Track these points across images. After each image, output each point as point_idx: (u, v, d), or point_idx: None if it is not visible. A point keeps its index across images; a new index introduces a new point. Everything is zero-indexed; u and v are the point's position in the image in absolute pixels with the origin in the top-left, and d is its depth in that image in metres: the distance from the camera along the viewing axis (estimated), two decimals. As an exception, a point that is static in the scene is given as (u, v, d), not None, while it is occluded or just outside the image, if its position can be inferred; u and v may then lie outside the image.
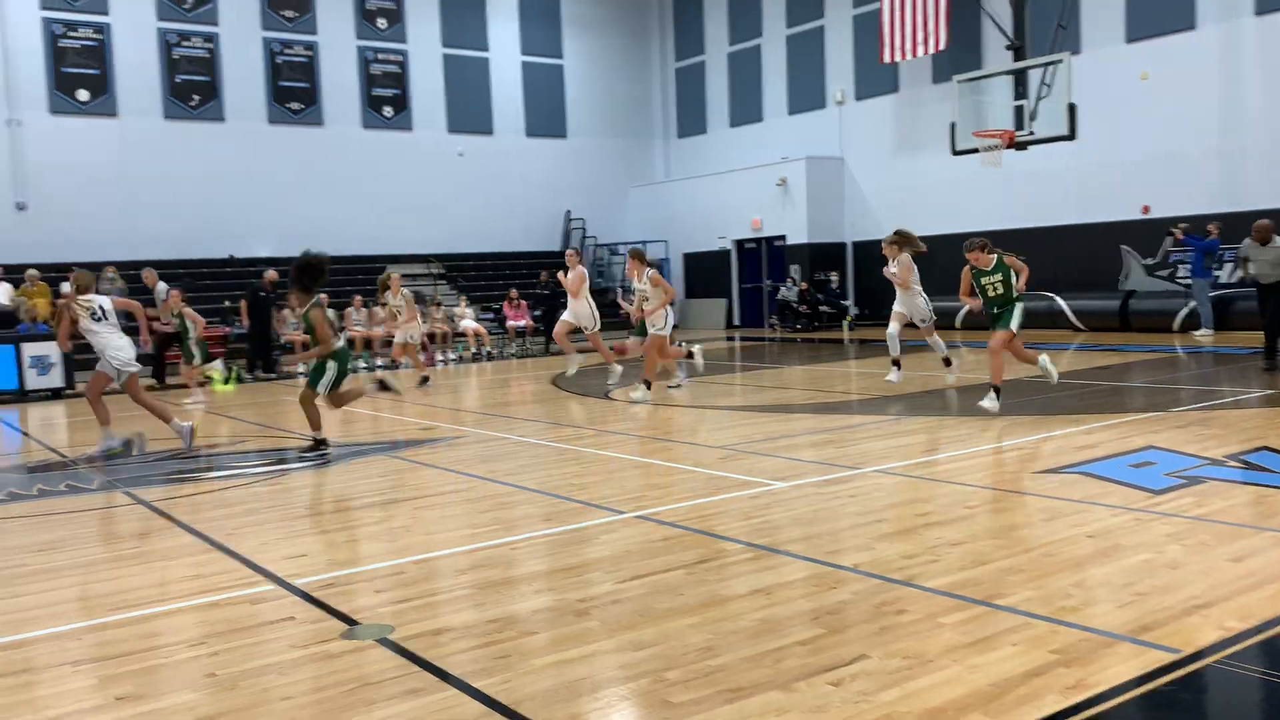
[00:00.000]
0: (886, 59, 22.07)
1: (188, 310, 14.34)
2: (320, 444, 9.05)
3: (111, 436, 9.57)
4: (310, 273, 8.96)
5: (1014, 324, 9.57)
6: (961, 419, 9.68)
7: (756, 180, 25.50)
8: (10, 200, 20.17)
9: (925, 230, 15.99)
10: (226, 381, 14.84)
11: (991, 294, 9.73)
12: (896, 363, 12.32)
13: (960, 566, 4.87)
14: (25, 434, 11.94)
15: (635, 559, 5.26)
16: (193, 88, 22.35)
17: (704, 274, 27.62)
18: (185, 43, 22.27)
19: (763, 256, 26.49)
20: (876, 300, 23.11)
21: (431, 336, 19.16)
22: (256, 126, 23.11)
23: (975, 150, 18.34)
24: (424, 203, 25.01)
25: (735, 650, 3.89)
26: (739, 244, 26.87)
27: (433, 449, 9.24)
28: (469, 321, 20.87)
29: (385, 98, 25.10)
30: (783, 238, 25.35)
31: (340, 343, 9.21)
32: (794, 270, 24.88)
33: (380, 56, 25.01)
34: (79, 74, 21.17)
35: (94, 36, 21.31)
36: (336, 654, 4.08)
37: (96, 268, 19.67)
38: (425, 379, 15.36)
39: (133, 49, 21.70)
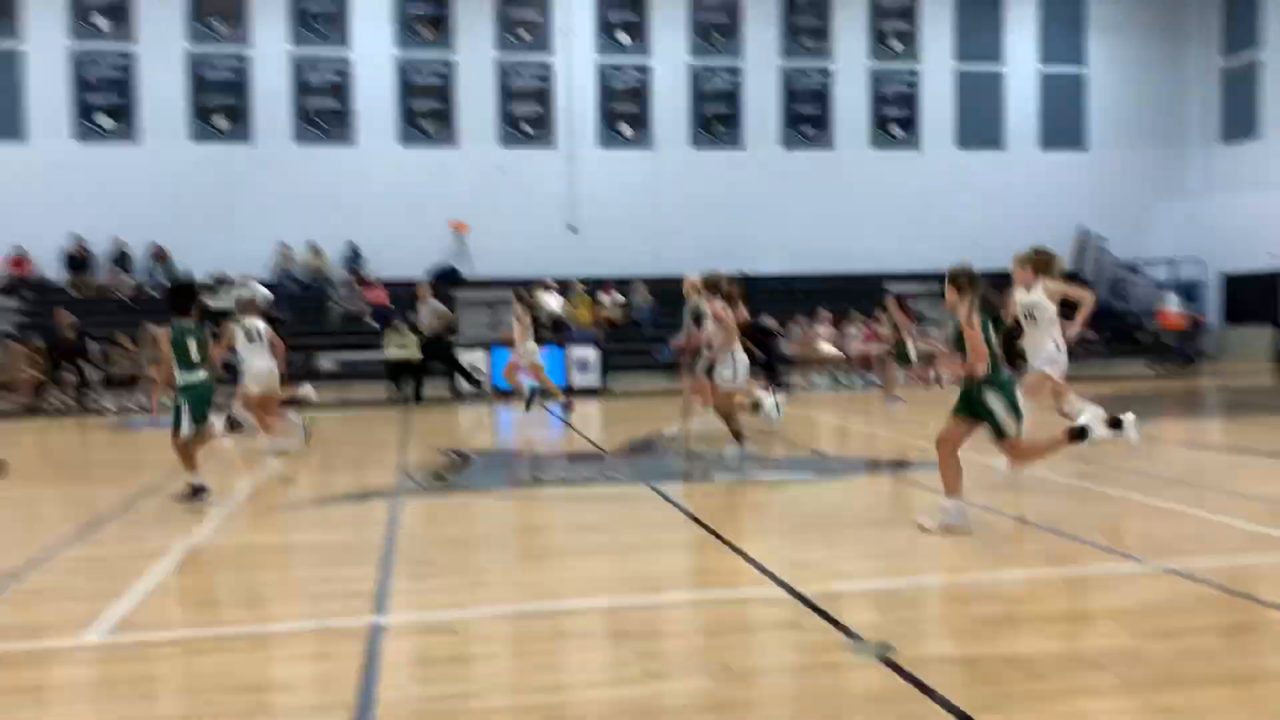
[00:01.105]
0: None
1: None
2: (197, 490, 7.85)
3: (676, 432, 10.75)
4: (181, 296, 8.29)
5: None
6: None
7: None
8: (564, 222, 23.26)
9: None
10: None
11: None
12: None
13: None
14: (568, 425, 13.71)
15: (1160, 615, 4.80)
16: (718, 119, 24.28)
17: (1248, 297, 24.26)
18: (713, 76, 24.23)
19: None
20: None
21: (929, 357, 18.91)
22: (772, 151, 24.47)
23: None
24: (925, 220, 24.76)
25: (1287, 737, 3.41)
26: (1294, 263, 23.23)
27: (930, 472, 9.14)
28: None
29: (894, 117, 25.27)
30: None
31: (195, 376, 7.88)
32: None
33: (892, 77, 25.23)
34: (623, 111, 23.90)
35: (638, 78, 23.95)
36: (839, 665, 4.21)
37: (625, 283, 22.10)
38: (897, 398, 15.62)
39: (668, 88, 24.05)
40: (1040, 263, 8.80)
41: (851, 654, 4.32)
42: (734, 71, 24.47)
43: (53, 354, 16.86)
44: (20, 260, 20.55)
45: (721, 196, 23.92)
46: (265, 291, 20.35)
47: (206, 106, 21.61)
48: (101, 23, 21.19)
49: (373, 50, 22.47)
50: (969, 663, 4.20)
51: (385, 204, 22.02)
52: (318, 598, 5.45)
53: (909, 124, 25.40)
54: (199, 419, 7.96)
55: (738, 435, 9.88)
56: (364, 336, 19.61)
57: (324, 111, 22.27)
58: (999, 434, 6.58)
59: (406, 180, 22.27)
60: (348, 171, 22.11)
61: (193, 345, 7.93)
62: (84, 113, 21.18)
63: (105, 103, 21.24)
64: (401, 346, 18.34)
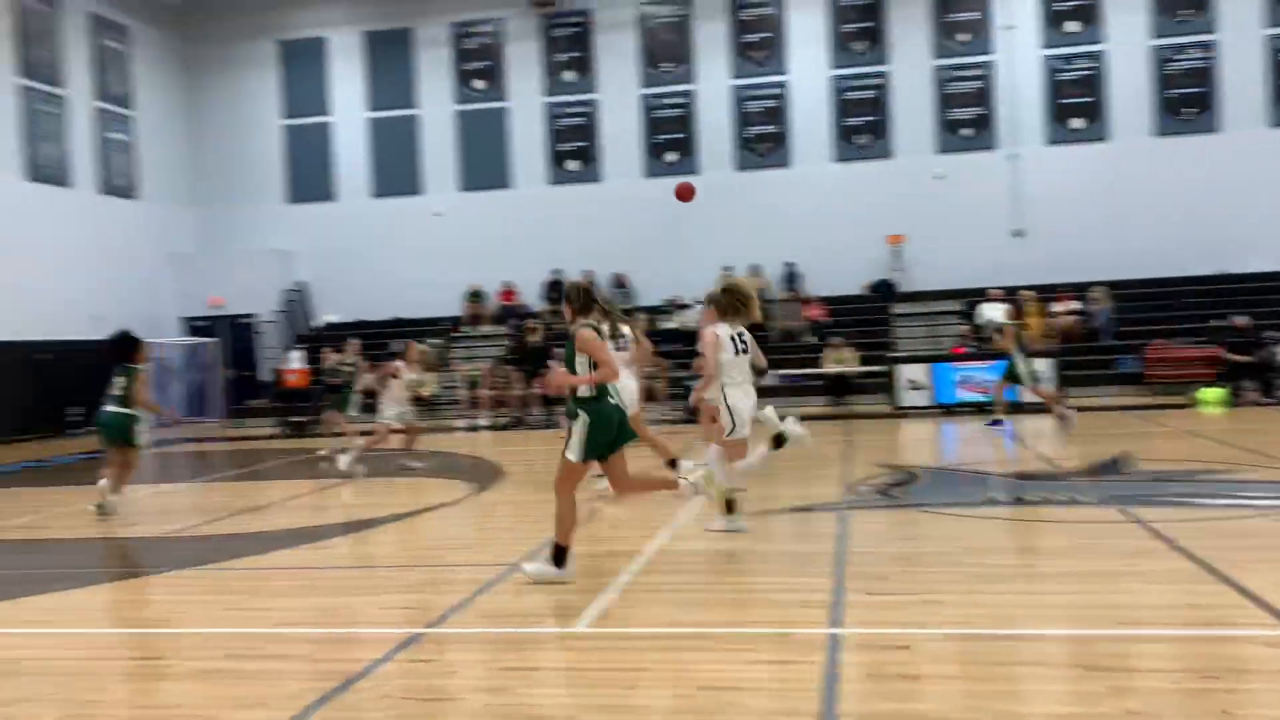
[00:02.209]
0: None
1: None
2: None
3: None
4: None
5: None
6: None
7: None
8: (1008, 227, 22.10)
9: None
10: (1219, 402, 14.13)
11: None
12: None
13: None
14: (1021, 442, 12.95)
15: None
16: (1186, 100, 21.78)
17: None
18: (1180, 54, 21.80)
19: None
20: None
21: None
22: (1258, 134, 21.49)
23: None
24: None
25: None
26: None
27: None
28: None
29: None
30: None
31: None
32: None
33: None
34: (1073, 104, 22.24)
35: (1089, 66, 22.18)
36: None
37: (1082, 288, 20.48)
38: None
39: (1125, 72, 22.00)
40: None
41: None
42: (1206, 46, 21.84)
43: (522, 364, 19.05)
44: (509, 293, 23.51)
45: (1193, 187, 21.40)
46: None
47: (657, 143, 23.33)
48: (569, 76, 23.68)
49: (807, 72, 22.94)
50: None
51: (821, 221, 22.31)
52: (777, 605, 5.63)
53: None
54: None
55: None
56: (803, 353, 20.01)
57: (762, 137, 23.10)
58: None
59: (841, 196, 22.41)
60: (784, 192, 22.71)
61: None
62: (556, 159, 23.80)
63: (573, 148, 23.70)
64: (839, 361, 18.49)
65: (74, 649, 5.46)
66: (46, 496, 11.62)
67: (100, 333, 20.84)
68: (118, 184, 22.65)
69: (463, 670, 4.83)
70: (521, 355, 19.45)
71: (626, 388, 8.24)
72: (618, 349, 7.13)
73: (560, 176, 23.74)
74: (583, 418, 6.05)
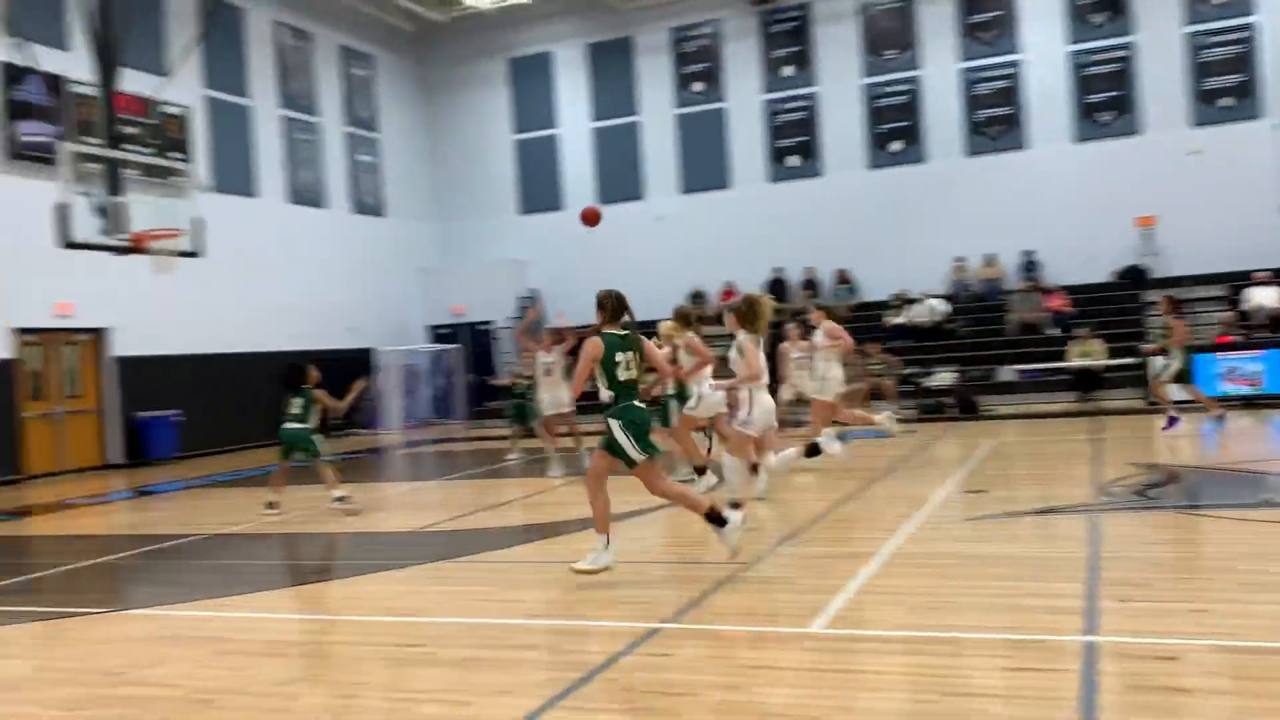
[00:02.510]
0: None
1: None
2: None
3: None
4: None
5: None
6: None
7: None
8: (1276, 204, 20.11)
9: None
10: None
11: None
12: None
13: None
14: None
15: None
16: None
17: None
18: None
19: None
20: None
21: None
22: None
23: None
24: None
25: None
26: None
27: None
28: None
29: None
30: None
31: None
32: None
33: None
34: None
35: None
36: None
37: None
38: None
39: None
40: None
41: None
42: None
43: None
44: (730, 293, 23.60)
45: None
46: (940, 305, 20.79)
47: (880, 134, 22.76)
48: (787, 72, 23.50)
49: (1043, 48, 21.73)
50: None
51: (1061, 205, 21.08)
52: (1023, 610, 5.36)
53: None
54: None
55: None
56: (1045, 347, 18.97)
57: (993, 120, 22.08)
58: None
59: (1083, 178, 21.08)
60: (1019, 177, 21.61)
61: None
62: (775, 156, 23.67)
63: (792, 144, 23.50)
64: (1086, 354, 17.41)
65: (337, 634, 5.91)
66: (312, 493, 12.65)
67: (356, 343, 22.64)
68: (367, 203, 24.38)
69: (700, 666, 4.88)
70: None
71: (709, 396, 9.10)
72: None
73: (780, 173, 23.59)
74: (613, 423, 6.40)
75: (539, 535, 8.77)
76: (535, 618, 5.92)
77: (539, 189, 25.32)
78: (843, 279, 22.52)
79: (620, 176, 24.63)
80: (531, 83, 25.42)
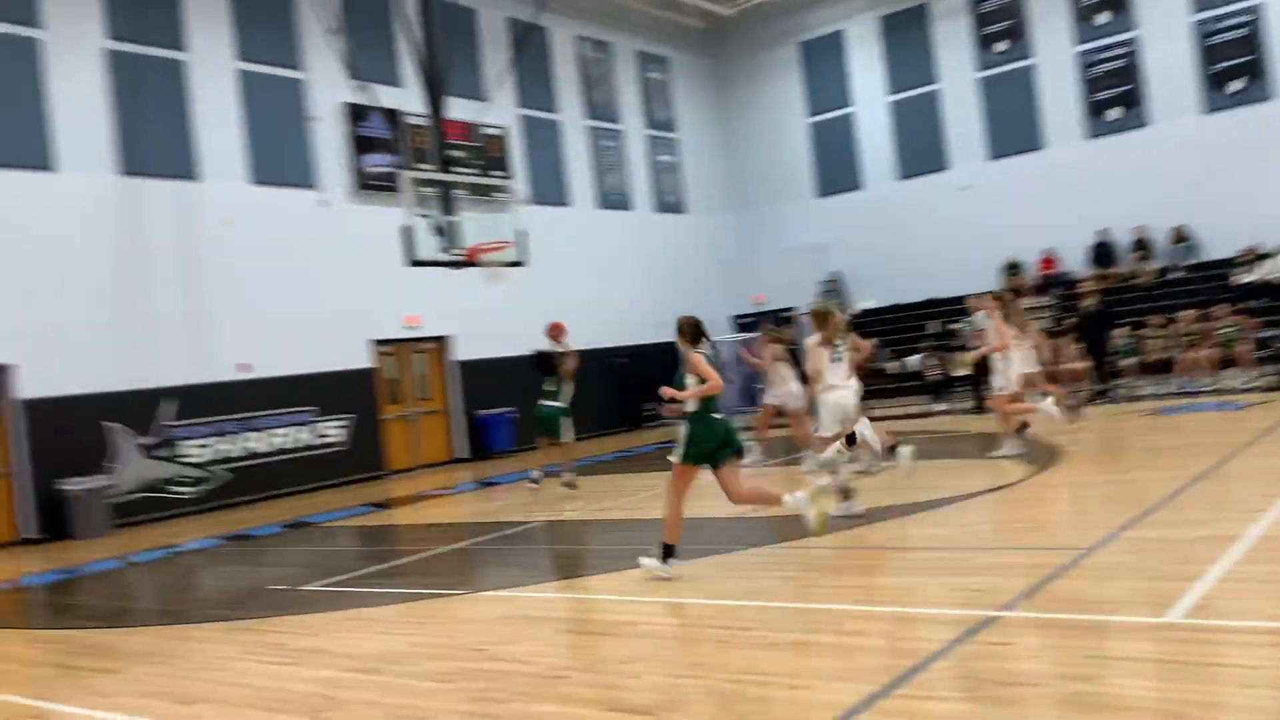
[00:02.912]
0: None
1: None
2: None
3: None
4: None
5: None
6: None
7: None
8: None
9: None
10: None
11: None
12: None
13: None
14: None
15: None
16: None
17: None
18: None
19: None
20: None
21: None
22: None
23: None
24: None
25: None
26: None
27: None
28: None
29: None
30: None
31: None
32: None
33: None
34: None
35: None
36: None
37: None
38: None
39: None
40: None
41: None
42: None
43: (1079, 333, 17.58)
44: (1049, 260, 22.15)
45: None
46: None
47: (1216, 73, 20.48)
48: (1102, 18, 21.70)
49: None
50: None
51: None
52: None
53: None
54: None
55: None
56: None
57: (1358, 41, 19.25)
58: None
59: None
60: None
61: None
62: (1093, 110, 21.93)
63: (1112, 95, 21.66)
64: None
65: (670, 616, 6.16)
66: (635, 481, 13.25)
67: (661, 338, 23.36)
68: (668, 201, 25.13)
69: (1044, 655, 4.66)
70: (1078, 324, 17.98)
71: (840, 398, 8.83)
72: (834, 360, 8.69)
73: (1099, 128, 21.84)
74: (685, 427, 6.92)
75: (859, 522, 8.69)
76: (863, 603, 5.88)
77: (836, 170, 25.00)
78: (1179, 237, 20.52)
79: (920, 148, 23.81)
80: (823, 64, 25.13)
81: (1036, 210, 22.02)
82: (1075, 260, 21.83)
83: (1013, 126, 22.67)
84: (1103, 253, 21.32)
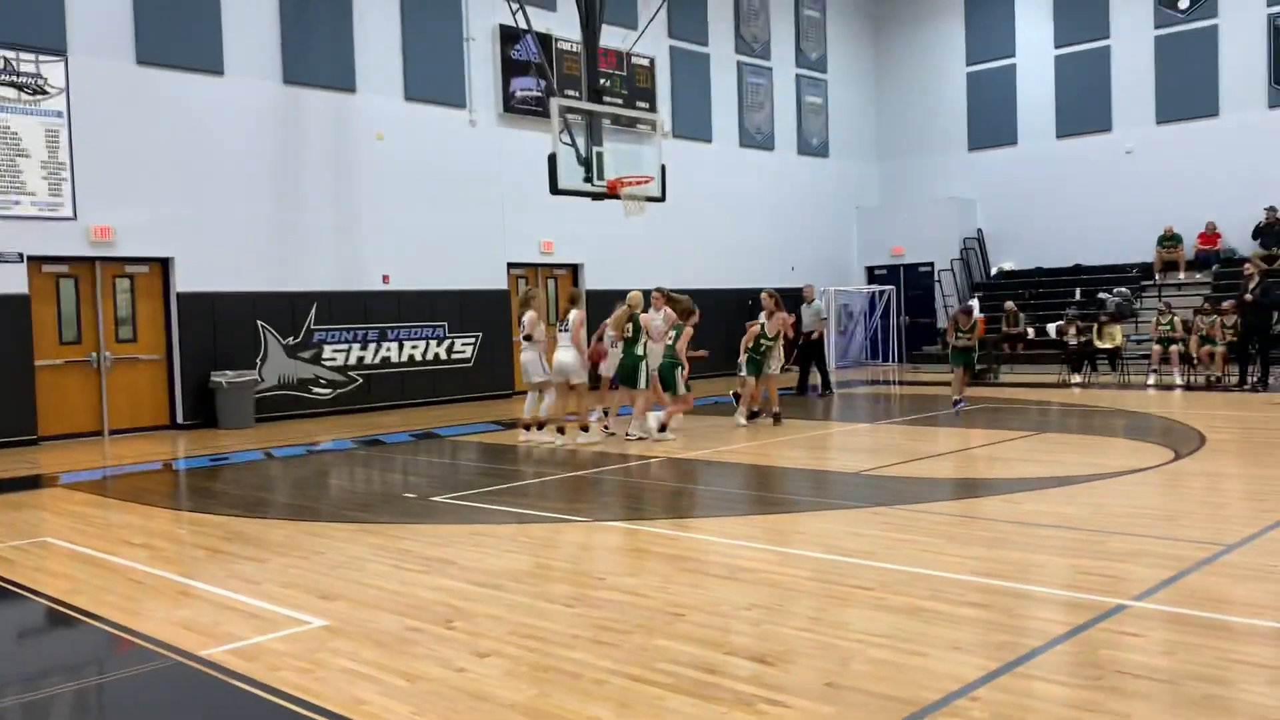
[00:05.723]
0: None
1: None
2: None
3: None
4: None
5: None
6: None
7: None
8: None
9: None
10: None
11: None
12: None
13: None
14: None
15: None
16: None
17: None
18: None
19: None
20: None
21: None
22: None
23: None
24: None
25: None
26: None
27: None
28: None
29: None
30: None
31: None
32: None
33: None
34: None
35: None
36: None
37: None
38: None
39: None
40: None
41: None
42: None
43: (1238, 314, 16.59)
44: (1210, 235, 20.97)
45: None
46: None
47: None
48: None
49: None
50: None
51: None
52: None
53: None
54: None
55: None
56: None
57: None
58: None
59: None
60: None
61: None
62: (1277, 79, 20.49)
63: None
64: None
65: (790, 567, 6.19)
66: (789, 430, 13.26)
67: (794, 281, 23.13)
68: (812, 144, 24.64)
69: (1174, 652, 4.52)
70: (1240, 306, 16.92)
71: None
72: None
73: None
74: None
75: (980, 491, 8.52)
76: (986, 576, 5.80)
77: (991, 123, 24.09)
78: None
79: (1084, 106, 22.74)
80: (988, 11, 24.09)
81: (1202, 180, 20.88)
82: (1237, 237, 20.65)
83: (1188, 89, 21.42)
84: (1269, 232, 20.09)
